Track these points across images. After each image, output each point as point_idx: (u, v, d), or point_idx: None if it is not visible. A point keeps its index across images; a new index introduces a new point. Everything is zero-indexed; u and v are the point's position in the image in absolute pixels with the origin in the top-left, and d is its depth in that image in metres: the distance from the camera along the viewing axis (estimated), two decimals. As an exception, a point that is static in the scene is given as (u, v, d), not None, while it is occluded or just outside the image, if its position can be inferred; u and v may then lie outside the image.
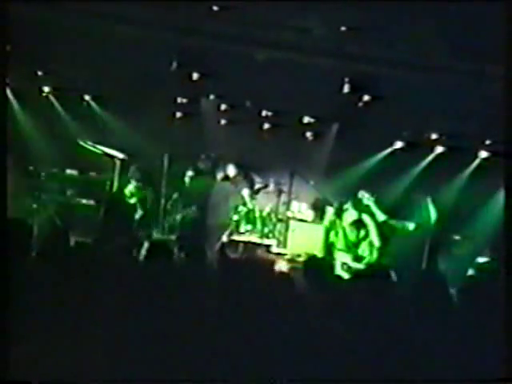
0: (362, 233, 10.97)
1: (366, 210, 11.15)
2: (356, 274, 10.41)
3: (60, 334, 4.62)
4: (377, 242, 10.85)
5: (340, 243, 11.01)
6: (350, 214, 11.04)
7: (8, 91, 11.80)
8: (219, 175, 12.21)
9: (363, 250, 10.90)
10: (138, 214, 11.99)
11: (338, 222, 11.08)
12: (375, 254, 10.75)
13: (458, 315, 5.35)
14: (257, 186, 12.51)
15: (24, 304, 4.83)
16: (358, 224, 10.98)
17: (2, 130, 6.60)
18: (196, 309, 4.83)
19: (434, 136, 13.11)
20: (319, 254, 11.08)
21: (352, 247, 10.94)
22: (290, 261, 11.03)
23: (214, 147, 13.50)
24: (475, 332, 5.14)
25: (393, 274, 6.11)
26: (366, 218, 10.98)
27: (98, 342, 4.58)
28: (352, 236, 10.95)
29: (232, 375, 4.58)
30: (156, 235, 11.93)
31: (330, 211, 11.33)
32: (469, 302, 5.60)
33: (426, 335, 5.20)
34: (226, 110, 13.50)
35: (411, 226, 11.40)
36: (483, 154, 12.94)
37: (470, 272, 10.73)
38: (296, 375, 4.77)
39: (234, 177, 12.05)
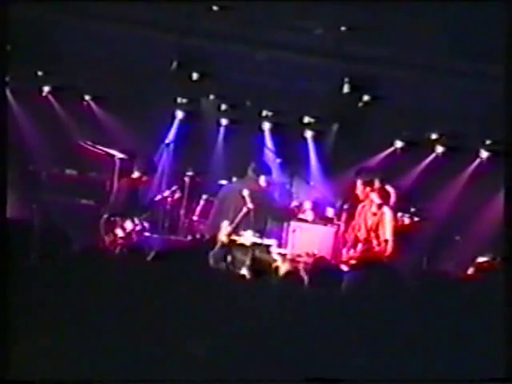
0: (378, 218, 10.47)
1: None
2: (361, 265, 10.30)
3: (61, 333, 4.62)
4: (389, 230, 10.39)
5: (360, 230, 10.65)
6: (374, 197, 10.51)
7: (8, 91, 11.78)
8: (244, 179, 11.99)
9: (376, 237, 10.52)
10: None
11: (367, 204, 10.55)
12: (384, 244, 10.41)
13: (458, 315, 5.35)
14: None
15: (24, 304, 4.83)
16: (377, 209, 10.49)
17: (2, 130, 6.60)
18: (196, 308, 4.83)
19: (433, 136, 13.11)
20: (320, 253, 11.06)
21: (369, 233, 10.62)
22: (291, 261, 11.02)
23: (214, 147, 13.52)
24: (475, 332, 5.14)
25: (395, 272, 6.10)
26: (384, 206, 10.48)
27: (98, 341, 4.59)
28: (370, 221, 10.57)
29: (232, 375, 4.58)
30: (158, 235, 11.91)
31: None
32: (469, 302, 5.60)
33: (426, 335, 5.20)
34: (225, 110, 13.50)
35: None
36: (483, 153, 12.93)
37: (470, 272, 10.72)
38: (296, 375, 4.77)
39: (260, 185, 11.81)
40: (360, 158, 12.82)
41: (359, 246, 10.52)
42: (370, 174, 10.62)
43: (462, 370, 4.91)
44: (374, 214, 10.45)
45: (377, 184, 10.41)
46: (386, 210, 10.37)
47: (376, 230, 10.44)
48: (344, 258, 10.69)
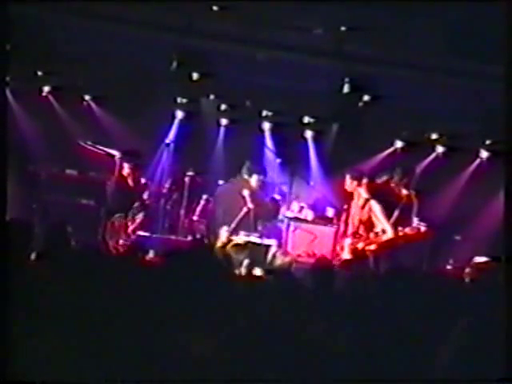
0: (368, 213, 10.70)
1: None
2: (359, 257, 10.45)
3: (61, 333, 4.62)
4: (385, 223, 10.57)
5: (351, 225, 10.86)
6: (362, 192, 10.78)
7: (8, 91, 11.77)
8: (238, 180, 12.05)
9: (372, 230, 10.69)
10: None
11: (355, 194, 10.82)
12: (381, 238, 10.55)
13: (458, 315, 5.36)
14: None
15: (24, 304, 4.83)
16: (366, 203, 10.74)
17: (2, 130, 6.60)
18: (196, 309, 4.83)
19: (434, 136, 13.11)
20: (320, 253, 11.08)
21: (362, 228, 10.78)
22: (290, 261, 11.03)
23: (214, 147, 13.51)
24: (475, 331, 5.14)
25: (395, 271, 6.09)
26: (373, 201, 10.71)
27: (99, 341, 4.59)
28: (364, 215, 10.76)
29: (232, 376, 4.58)
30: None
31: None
32: (468, 302, 5.60)
33: (426, 335, 5.20)
34: (225, 110, 13.49)
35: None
36: (483, 153, 12.93)
37: (470, 271, 10.71)
38: (297, 375, 4.77)
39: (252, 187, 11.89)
40: (360, 158, 12.83)
41: (349, 240, 10.73)
42: (358, 170, 10.98)
43: (462, 370, 4.92)
44: (362, 208, 10.71)
45: (365, 180, 10.73)
46: (373, 203, 10.63)
47: (367, 223, 10.69)
48: (339, 253, 10.84)
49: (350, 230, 10.86)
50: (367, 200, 10.68)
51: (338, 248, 11.03)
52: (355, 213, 10.84)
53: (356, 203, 10.85)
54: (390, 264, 9.81)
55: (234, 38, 12.13)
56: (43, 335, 4.55)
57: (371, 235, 10.63)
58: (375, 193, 10.77)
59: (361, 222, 10.74)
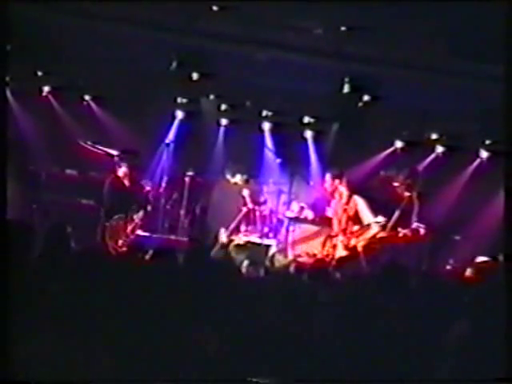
0: (353, 209, 10.99)
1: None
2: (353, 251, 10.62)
3: (60, 334, 4.63)
4: (369, 218, 10.79)
5: (338, 222, 11.09)
6: (343, 189, 11.10)
7: (8, 91, 11.77)
8: (225, 179, 12.18)
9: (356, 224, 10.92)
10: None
11: (337, 194, 11.11)
12: (370, 231, 10.72)
13: (458, 315, 5.36)
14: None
15: (24, 304, 4.84)
16: (350, 199, 11.03)
17: (2, 130, 6.60)
18: (196, 309, 4.84)
19: (434, 136, 13.11)
20: (320, 253, 11.11)
21: (347, 223, 10.99)
22: (290, 261, 11.04)
23: (214, 147, 13.52)
24: (475, 331, 5.14)
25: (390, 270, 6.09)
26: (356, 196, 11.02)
27: (98, 341, 4.59)
28: (350, 211, 10.97)
29: (231, 375, 4.59)
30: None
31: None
32: (468, 302, 5.61)
33: (426, 335, 5.20)
34: (225, 110, 13.50)
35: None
36: (483, 153, 12.93)
37: (470, 271, 10.72)
38: (296, 375, 4.78)
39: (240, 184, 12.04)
40: (360, 158, 12.84)
41: (341, 238, 10.88)
42: (337, 169, 11.23)
43: (462, 370, 4.92)
44: (347, 204, 10.93)
45: (345, 178, 10.99)
46: (357, 198, 10.89)
47: (354, 219, 10.89)
48: (334, 251, 10.95)
49: (341, 228, 11.05)
50: (350, 196, 10.98)
51: (332, 246, 11.14)
52: (342, 210, 11.07)
53: (338, 201, 11.12)
54: (390, 264, 9.78)
55: (234, 38, 12.13)
56: (43, 335, 4.55)
57: (360, 229, 10.83)
58: (357, 188, 11.07)
59: (349, 218, 10.98)
